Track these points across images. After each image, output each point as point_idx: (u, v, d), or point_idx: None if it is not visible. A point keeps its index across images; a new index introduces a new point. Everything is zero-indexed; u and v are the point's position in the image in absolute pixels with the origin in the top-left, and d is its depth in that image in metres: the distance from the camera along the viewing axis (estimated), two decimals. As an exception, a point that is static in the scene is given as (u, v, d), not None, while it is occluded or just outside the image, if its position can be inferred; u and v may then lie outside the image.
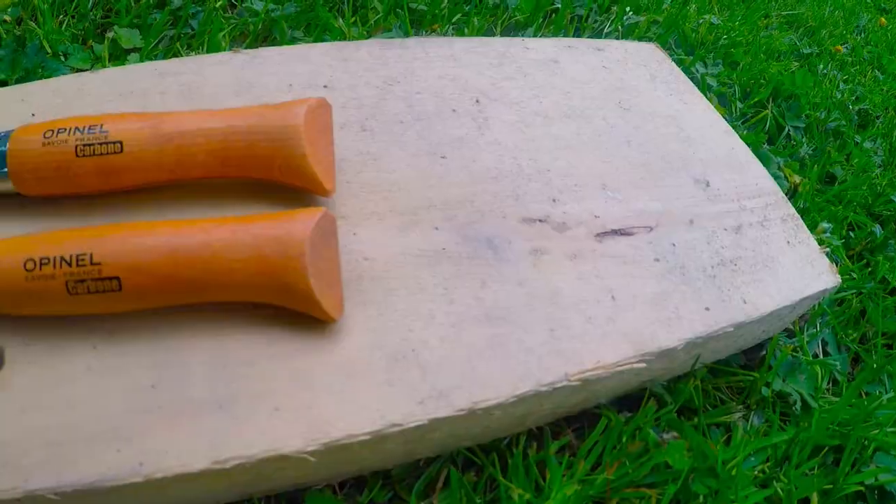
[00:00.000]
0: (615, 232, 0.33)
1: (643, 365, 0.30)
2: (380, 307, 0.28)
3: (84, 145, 0.29)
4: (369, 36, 0.41)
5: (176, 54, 0.45)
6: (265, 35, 0.42)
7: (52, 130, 0.30)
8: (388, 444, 0.27)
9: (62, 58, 0.44)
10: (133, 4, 0.43)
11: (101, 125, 0.29)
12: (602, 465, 0.31)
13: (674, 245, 0.33)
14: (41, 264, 0.26)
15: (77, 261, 0.26)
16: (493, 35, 0.44)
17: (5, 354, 0.28)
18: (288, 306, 0.26)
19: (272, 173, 0.29)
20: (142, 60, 0.43)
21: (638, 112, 0.38)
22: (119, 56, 0.43)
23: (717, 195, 0.36)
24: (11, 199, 0.32)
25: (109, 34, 0.44)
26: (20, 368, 0.28)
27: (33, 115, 0.36)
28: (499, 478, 0.31)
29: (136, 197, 0.32)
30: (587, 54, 0.41)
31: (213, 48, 0.41)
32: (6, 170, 0.30)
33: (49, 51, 0.42)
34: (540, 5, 0.43)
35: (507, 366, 0.28)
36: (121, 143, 0.29)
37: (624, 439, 0.32)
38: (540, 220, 0.32)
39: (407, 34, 0.41)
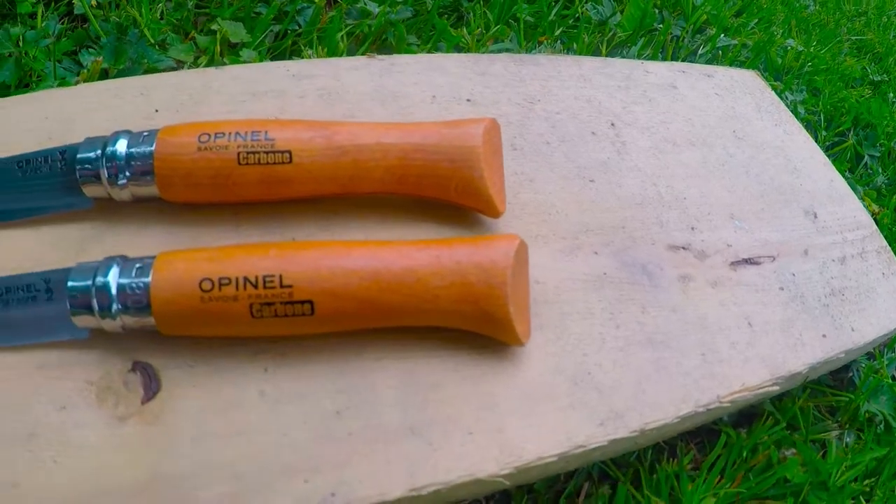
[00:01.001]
0: (745, 261, 0.35)
1: (776, 388, 0.33)
2: (556, 331, 0.29)
3: (248, 153, 0.28)
4: (481, 45, 0.42)
5: (286, 52, 0.43)
6: (378, 38, 0.42)
7: (209, 134, 0.29)
8: (560, 464, 0.29)
9: (158, 48, 0.42)
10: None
11: (266, 132, 0.28)
12: (724, 478, 0.34)
13: (793, 275, 0.36)
14: (220, 285, 0.25)
15: (264, 283, 0.25)
16: (601, 52, 0.45)
17: (160, 375, 0.28)
18: (480, 331, 0.27)
19: (448, 193, 0.29)
20: (251, 57, 0.41)
21: (750, 142, 0.41)
22: (222, 51, 0.42)
23: (824, 227, 0.39)
24: (148, 202, 0.31)
25: (213, 26, 0.42)
26: (182, 392, 0.27)
27: (157, 110, 0.35)
28: (632, 490, 0.33)
29: (289, 207, 0.31)
30: (700, 80, 0.43)
31: (331, 49, 0.40)
32: (152, 175, 0.29)
33: (151, 40, 0.40)
34: (643, 24, 0.45)
35: (670, 388, 0.30)
36: (290, 152, 0.28)
37: (744, 454, 0.35)
38: (683, 248, 0.34)
39: (520, 45, 0.41)
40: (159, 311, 0.26)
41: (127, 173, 0.29)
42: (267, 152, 0.28)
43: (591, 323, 0.30)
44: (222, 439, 0.26)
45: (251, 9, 0.43)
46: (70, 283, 0.26)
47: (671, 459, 0.34)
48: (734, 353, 0.32)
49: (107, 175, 0.29)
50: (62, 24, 0.41)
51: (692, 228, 0.35)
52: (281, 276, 0.25)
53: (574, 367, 0.28)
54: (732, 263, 0.35)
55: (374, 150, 0.29)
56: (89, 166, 0.29)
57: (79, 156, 0.29)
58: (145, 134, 0.29)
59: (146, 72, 0.40)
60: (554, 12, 0.45)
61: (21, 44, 0.39)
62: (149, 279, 0.26)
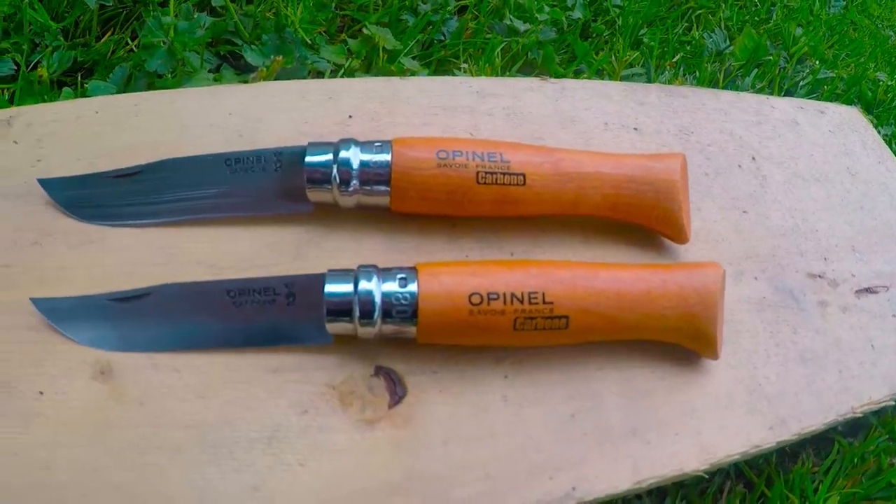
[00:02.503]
0: (865, 290, 0.41)
1: (893, 403, 0.39)
2: (732, 346, 0.35)
3: (486, 173, 0.32)
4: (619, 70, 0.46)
5: (434, 63, 0.46)
6: (523, 57, 0.46)
7: (446, 151, 0.32)
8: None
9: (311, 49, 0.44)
10: (380, 2, 0.45)
11: (501, 153, 0.33)
12: (842, 479, 0.40)
13: (902, 303, 0.43)
14: (489, 299, 0.29)
15: (529, 299, 0.29)
16: (718, 81, 0.50)
17: (405, 380, 0.31)
18: (686, 345, 0.32)
19: (648, 220, 0.35)
20: (413, 66, 0.44)
21: (861, 178, 0.47)
22: (371, 57, 0.44)
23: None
24: (369, 210, 0.33)
25: (361, 30, 0.45)
26: (429, 397, 0.31)
27: (350, 116, 0.38)
28: (765, 490, 0.39)
29: (502, 223, 0.34)
30: (815, 116, 0.49)
31: (490, 65, 0.43)
32: (387, 186, 0.31)
33: (307, 40, 0.43)
34: (755, 55, 0.50)
35: (819, 399, 0.36)
36: (523, 175, 0.32)
37: (855, 460, 0.41)
38: (819, 276, 0.40)
39: (651, 72, 0.46)
40: (426, 321, 0.29)
41: (358, 181, 0.32)
42: (503, 174, 0.32)
43: (757, 341, 0.35)
44: (472, 442, 0.30)
45: (396, 16, 0.46)
46: (328, 290, 0.30)
47: (794, 462, 0.40)
48: (862, 371, 0.38)
49: (338, 181, 0.32)
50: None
51: (825, 259, 0.41)
52: (544, 294, 0.29)
53: (748, 379, 0.34)
54: (857, 292, 0.41)
55: (594, 178, 0.33)
56: (320, 171, 0.32)
57: (308, 159, 0.33)
58: (377, 144, 0.33)
59: (309, 74, 0.43)
60: (675, 38, 0.50)
61: (172, 34, 0.41)
62: (415, 290, 0.29)
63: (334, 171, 0.32)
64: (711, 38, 0.50)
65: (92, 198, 0.34)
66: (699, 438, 0.32)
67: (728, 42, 0.51)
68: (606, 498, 0.29)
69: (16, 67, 0.41)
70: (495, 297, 0.29)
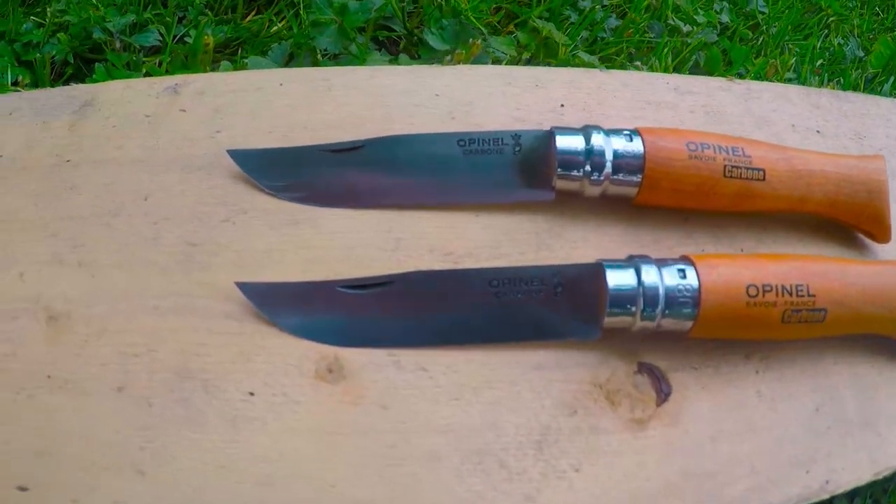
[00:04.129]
0: None
1: None
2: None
3: (732, 167, 0.33)
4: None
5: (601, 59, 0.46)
6: (691, 59, 0.46)
7: (695, 143, 0.33)
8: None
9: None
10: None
11: (742, 149, 0.34)
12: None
13: None
14: (764, 291, 0.30)
15: (797, 291, 0.30)
16: (860, 87, 0.52)
17: (668, 377, 0.29)
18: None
19: (858, 219, 0.36)
20: (592, 61, 0.43)
21: None
22: (536, 50, 0.43)
23: None
24: (608, 201, 0.32)
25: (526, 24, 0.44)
26: (693, 394, 0.31)
27: (562, 105, 0.36)
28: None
29: (728, 220, 0.34)
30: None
31: (662, 65, 0.44)
32: (639, 176, 0.31)
33: (482, 29, 0.41)
34: (892, 64, 0.52)
35: None
36: (763, 171, 0.33)
37: None
38: None
39: (802, 76, 0.47)
40: (706, 314, 0.29)
41: (609, 170, 0.31)
42: (747, 168, 0.33)
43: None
44: (736, 437, 0.30)
45: (559, 11, 0.45)
46: (612, 282, 0.29)
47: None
48: None
49: (588, 169, 0.30)
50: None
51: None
52: (808, 287, 0.30)
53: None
54: None
55: (819, 176, 0.35)
56: (571, 157, 0.30)
57: (560, 144, 0.30)
58: (626, 132, 0.31)
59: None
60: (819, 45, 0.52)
61: (344, 14, 0.38)
62: (696, 281, 0.29)
63: (586, 158, 0.31)
64: (848, 45, 0.53)
65: (298, 174, 0.30)
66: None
67: (862, 50, 0.54)
68: (850, 490, 0.30)
69: (161, 38, 0.37)
70: (769, 289, 0.29)
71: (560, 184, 0.32)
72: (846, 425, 0.31)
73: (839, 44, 0.53)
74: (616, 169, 0.31)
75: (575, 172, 0.31)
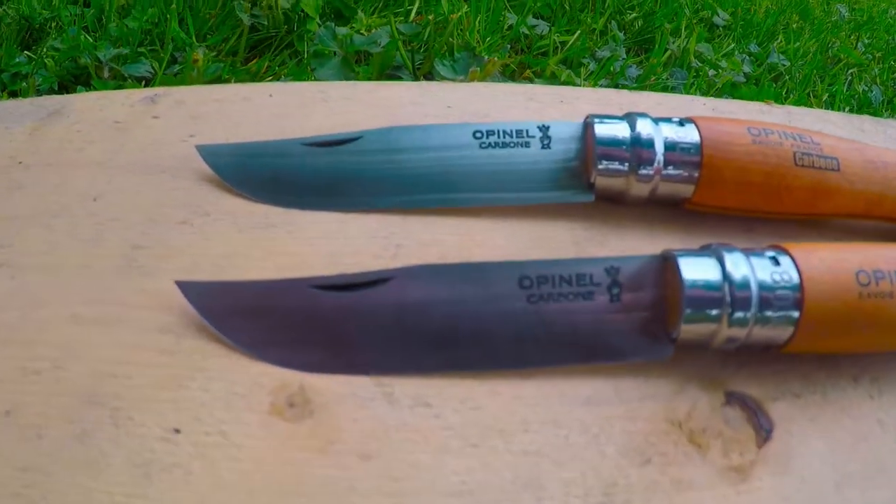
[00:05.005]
0: None
1: None
2: None
3: (802, 153, 0.27)
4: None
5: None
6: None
7: (757, 129, 0.27)
8: None
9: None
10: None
11: (811, 137, 0.28)
12: None
13: None
14: (876, 279, 0.22)
15: None
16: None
17: (766, 409, 0.21)
18: None
19: None
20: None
21: None
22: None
23: None
24: (655, 205, 0.26)
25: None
26: (800, 430, 0.22)
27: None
28: None
29: (790, 227, 0.28)
30: None
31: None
32: (697, 167, 0.25)
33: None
34: None
35: None
36: (837, 160, 0.27)
37: None
38: None
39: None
40: (812, 312, 0.21)
41: (660, 162, 0.25)
42: (819, 156, 0.27)
43: None
44: (866, 482, 0.21)
45: (578, 60, 0.44)
46: (687, 278, 0.20)
47: None
48: None
49: (636, 163, 0.25)
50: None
51: None
52: None
53: None
54: None
55: (893, 169, 0.28)
56: (615, 149, 0.25)
57: (599, 133, 0.25)
58: (675, 120, 0.26)
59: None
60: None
61: (346, 46, 0.36)
62: (794, 272, 0.21)
63: (632, 148, 0.25)
64: (872, 92, 0.50)
65: (277, 172, 0.25)
66: None
67: (886, 96, 0.52)
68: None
69: (152, 70, 0.35)
70: (881, 276, 0.22)
71: (601, 181, 0.25)
72: None
73: (864, 91, 0.51)
74: (668, 161, 0.25)
75: (619, 166, 0.25)
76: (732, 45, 0.51)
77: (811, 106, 0.47)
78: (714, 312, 0.20)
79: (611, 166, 0.25)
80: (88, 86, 0.33)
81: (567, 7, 0.48)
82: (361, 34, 0.37)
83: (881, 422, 0.22)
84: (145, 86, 0.36)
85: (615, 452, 0.19)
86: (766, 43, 0.57)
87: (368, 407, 0.19)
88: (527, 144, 0.26)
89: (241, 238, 0.24)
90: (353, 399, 0.19)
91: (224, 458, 0.18)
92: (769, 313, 0.21)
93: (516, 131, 0.26)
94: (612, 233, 0.26)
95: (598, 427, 0.20)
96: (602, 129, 0.25)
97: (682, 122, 0.26)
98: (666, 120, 0.26)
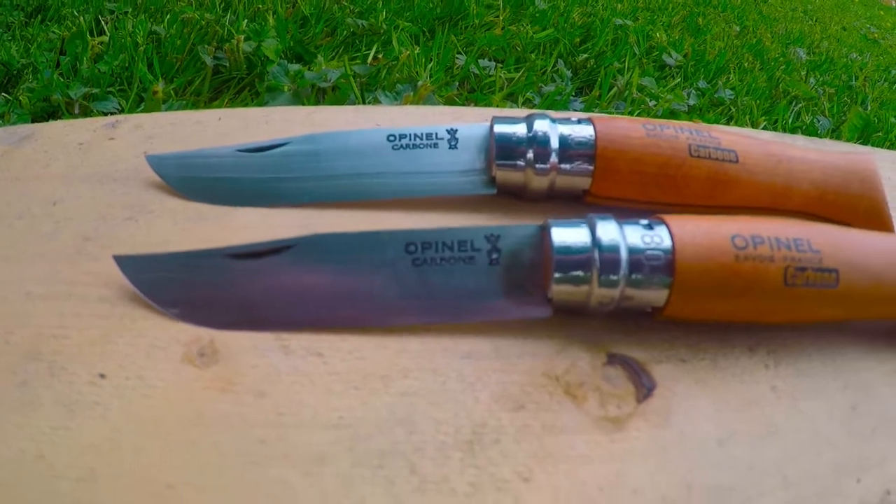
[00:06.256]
0: None
1: None
2: None
3: (698, 146, 0.31)
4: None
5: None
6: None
7: (654, 125, 0.31)
8: None
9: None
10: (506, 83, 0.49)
11: (709, 132, 0.32)
12: None
13: None
14: (755, 243, 0.25)
15: (796, 245, 0.25)
16: None
17: (650, 371, 0.25)
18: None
19: (854, 215, 0.32)
20: None
21: None
22: None
23: None
24: (557, 199, 0.30)
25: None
26: (685, 390, 0.25)
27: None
28: None
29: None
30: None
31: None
32: (591, 160, 0.29)
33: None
34: (866, 132, 0.54)
35: None
36: (735, 152, 0.31)
37: None
38: None
39: None
40: (684, 275, 0.25)
41: (557, 157, 0.30)
42: (716, 148, 0.31)
43: None
44: (754, 440, 0.24)
45: (522, 94, 0.50)
46: (557, 240, 0.25)
47: None
48: None
49: (533, 158, 0.29)
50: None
51: None
52: (809, 241, 0.26)
53: None
54: None
55: (802, 162, 0.33)
56: (511, 145, 0.30)
57: (498, 130, 0.30)
58: (574, 120, 0.31)
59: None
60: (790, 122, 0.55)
61: (297, 81, 0.43)
62: (667, 236, 0.25)
63: (529, 145, 0.30)
64: (819, 122, 0.55)
65: (214, 175, 0.31)
66: None
67: (834, 125, 0.57)
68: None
69: (119, 107, 0.42)
70: (760, 241, 0.25)
71: (501, 175, 0.30)
72: (889, 424, 0.24)
73: (812, 121, 0.56)
74: (564, 155, 0.29)
75: (518, 162, 0.30)
76: (678, 80, 0.57)
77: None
78: (583, 274, 0.24)
79: (509, 162, 0.30)
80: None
81: (518, 49, 0.56)
82: (313, 72, 0.43)
83: (775, 388, 0.25)
84: (114, 119, 0.43)
85: (488, 398, 0.23)
86: (715, 79, 0.64)
87: (266, 356, 0.24)
88: (435, 145, 0.31)
89: (176, 229, 0.29)
90: (254, 350, 0.24)
91: (139, 397, 0.22)
92: (640, 275, 0.24)
93: (426, 134, 0.31)
94: (513, 224, 0.29)
95: (474, 377, 0.24)
96: (501, 128, 0.31)
97: (580, 122, 0.31)
98: (566, 120, 0.31)
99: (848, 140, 0.59)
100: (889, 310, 0.27)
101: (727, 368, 0.26)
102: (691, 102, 0.56)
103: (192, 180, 0.31)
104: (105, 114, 0.44)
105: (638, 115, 0.50)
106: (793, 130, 0.57)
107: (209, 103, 0.48)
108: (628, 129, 0.31)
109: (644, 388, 0.24)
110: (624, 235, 0.24)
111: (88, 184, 0.33)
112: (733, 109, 0.57)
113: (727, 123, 0.55)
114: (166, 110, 0.43)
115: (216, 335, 0.24)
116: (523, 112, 0.38)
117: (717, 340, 0.27)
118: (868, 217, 0.32)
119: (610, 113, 0.51)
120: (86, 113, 0.43)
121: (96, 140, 0.36)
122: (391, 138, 0.32)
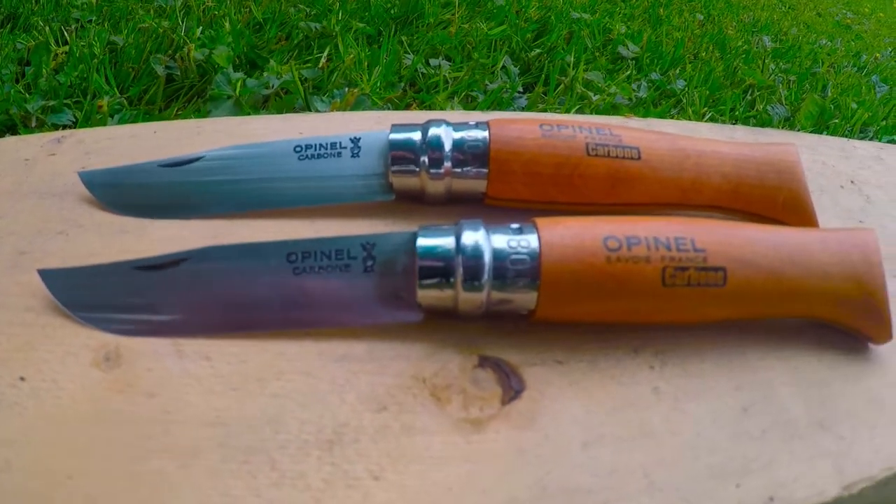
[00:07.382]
0: None
1: None
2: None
3: (596, 144, 0.31)
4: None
5: None
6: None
7: (550, 125, 0.32)
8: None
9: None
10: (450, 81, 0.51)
11: (610, 130, 0.32)
12: None
13: None
14: (629, 244, 0.26)
15: (677, 245, 0.26)
16: None
17: (521, 373, 0.26)
18: (853, 325, 0.28)
19: (775, 208, 0.33)
20: None
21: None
22: None
23: None
24: (461, 203, 0.31)
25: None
26: (557, 392, 0.26)
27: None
28: None
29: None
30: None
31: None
32: (485, 163, 0.30)
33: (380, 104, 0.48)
34: (822, 119, 0.55)
35: None
36: (638, 149, 0.32)
37: None
38: None
39: None
40: (551, 277, 0.26)
41: (451, 162, 0.31)
42: (616, 146, 0.32)
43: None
44: (623, 443, 0.25)
45: (466, 92, 0.52)
46: (421, 244, 0.27)
47: None
48: None
49: (426, 163, 0.32)
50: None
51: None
52: (693, 240, 0.27)
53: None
54: None
55: (712, 156, 0.33)
56: (406, 151, 0.32)
57: (392, 137, 0.33)
58: (472, 124, 0.33)
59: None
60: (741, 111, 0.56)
61: (238, 89, 0.45)
62: (534, 238, 0.26)
63: (422, 150, 0.31)
64: (774, 110, 0.56)
65: (136, 189, 0.34)
66: (897, 431, 0.26)
67: (790, 113, 0.57)
68: (810, 506, 0.24)
69: (75, 119, 0.45)
70: (636, 241, 0.26)
71: (397, 181, 0.32)
72: (789, 428, 0.26)
73: (765, 110, 0.57)
74: (457, 159, 0.31)
75: (412, 167, 0.31)
76: (630, 72, 0.58)
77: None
78: (446, 280, 0.26)
79: (404, 168, 0.32)
80: (16, 134, 0.43)
81: (469, 47, 0.57)
82: (255, 79, 0.46)
83: (657, 389, 0.26)
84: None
85: (354, 399, 0.25)
86: (668, 71, 0.65)
87: (162, 360, 0.27)
88: (339, 154, 0.34)
89: (101, 242, 0.33)
90: (152, 355, 0.27)
91: (51, 398, 0.26)
92: (504, 280, 0.25)
93: (330, 143, 0.34)
94: (398, 231, 0.31)
95: (344, 379, 0.26)
96: (395, 136, 0.32)
97: (477, 125, 0.32)
98: (463, 125, 0.32)
99: (803, 128, 0.59)
100: (789, 308, 0.28)
101: (606, 370, 0.27)
102: (642, 94, 0.57)
103: (118, 195, 0.34)
104: (59, 126, 0.47)
105: (578, 111, 0.52)
106: (744, 120, 0.58)
107: (161, 112, 0.51)
108: (523, 130, 0.32)
109: (512, 390, 0.26)
110: (490, 241, 0.26)
111: (30, 199, 0.36)
112: (684, 100, 0.58)
113: (677, 115, 0.56)
114: (119, 121, 0.46)
115: (122, 341, 0.27)
116: (454, 114, 0.40)
117: (599, 342, 0.28)
118: (788, 209, 0.33)
119: (554, 109, 0.53)
120: (42, 126, 0.46)
121: (41, 156, 0.39)
122: (297, 149, 0.34)
